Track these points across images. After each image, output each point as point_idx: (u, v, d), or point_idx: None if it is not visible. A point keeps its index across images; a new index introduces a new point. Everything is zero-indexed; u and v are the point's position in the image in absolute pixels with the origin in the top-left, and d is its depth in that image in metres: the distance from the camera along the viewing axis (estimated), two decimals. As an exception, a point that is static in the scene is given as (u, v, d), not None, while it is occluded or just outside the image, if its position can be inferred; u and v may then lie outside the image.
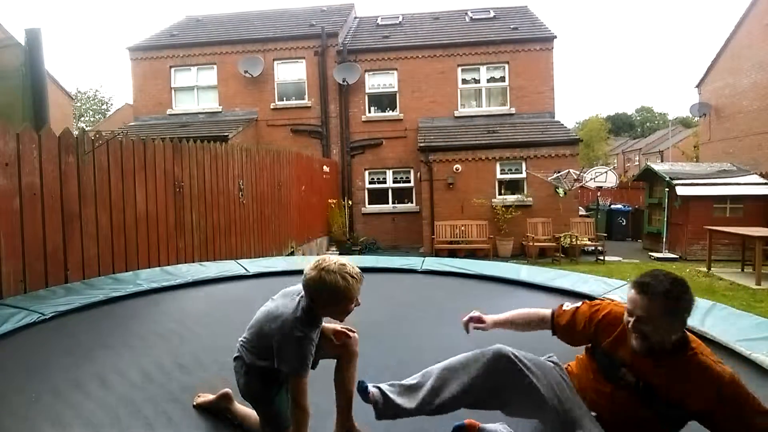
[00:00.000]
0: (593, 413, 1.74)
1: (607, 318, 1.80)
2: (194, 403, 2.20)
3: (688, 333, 1.69)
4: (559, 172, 12.28)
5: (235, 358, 1.97)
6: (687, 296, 1.61)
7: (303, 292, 1.85)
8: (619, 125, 59.90)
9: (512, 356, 1.71)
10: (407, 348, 2.46)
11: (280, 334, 1.79)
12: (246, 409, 2.10)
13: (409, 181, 14.48)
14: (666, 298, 1.58)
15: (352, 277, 1.79)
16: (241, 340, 1.97)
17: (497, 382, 1.71)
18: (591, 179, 13.46)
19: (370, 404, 1.82)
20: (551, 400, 1.65)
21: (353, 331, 2.06)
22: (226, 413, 2.13)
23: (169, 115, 14.83)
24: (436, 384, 1.78)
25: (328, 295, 1.78)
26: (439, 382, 1.78)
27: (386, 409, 1.80)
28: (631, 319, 1.63)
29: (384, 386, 1.85)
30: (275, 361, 1.81)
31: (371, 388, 1.84)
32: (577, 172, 12.55)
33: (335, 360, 2.03)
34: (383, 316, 2.49)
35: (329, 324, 2.02)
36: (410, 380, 1.86)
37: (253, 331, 1.92)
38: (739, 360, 2.52)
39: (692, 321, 2.89)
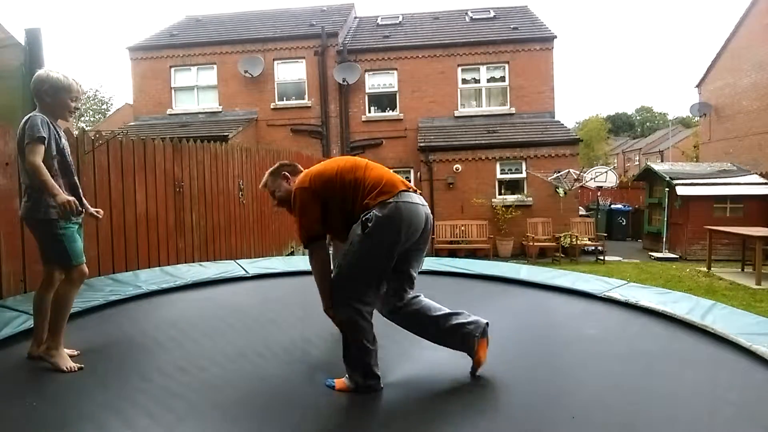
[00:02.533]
0: None
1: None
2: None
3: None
4: (559, 172, 12.27)
5: (23, 205, 2.50)
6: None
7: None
8: (619, 125, 59.88)
9: None
10: (407, 347, 2.46)
11: (23, 121, 2.38)
12: None
13: (409, 181, 14.44)
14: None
15: (57, 74, 2.44)
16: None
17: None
18: (591, 179, 13.47)
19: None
20: None
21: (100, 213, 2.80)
22: None
23: (169, 115, 14.83)
24: None
25: (41, 85, 2.41)
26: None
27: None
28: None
29: None
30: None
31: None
32: (577, 172, 12.56)
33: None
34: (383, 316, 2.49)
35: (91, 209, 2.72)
36: None
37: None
38: (740, 351, 2.52)
39: (693, 318, 2.92)
